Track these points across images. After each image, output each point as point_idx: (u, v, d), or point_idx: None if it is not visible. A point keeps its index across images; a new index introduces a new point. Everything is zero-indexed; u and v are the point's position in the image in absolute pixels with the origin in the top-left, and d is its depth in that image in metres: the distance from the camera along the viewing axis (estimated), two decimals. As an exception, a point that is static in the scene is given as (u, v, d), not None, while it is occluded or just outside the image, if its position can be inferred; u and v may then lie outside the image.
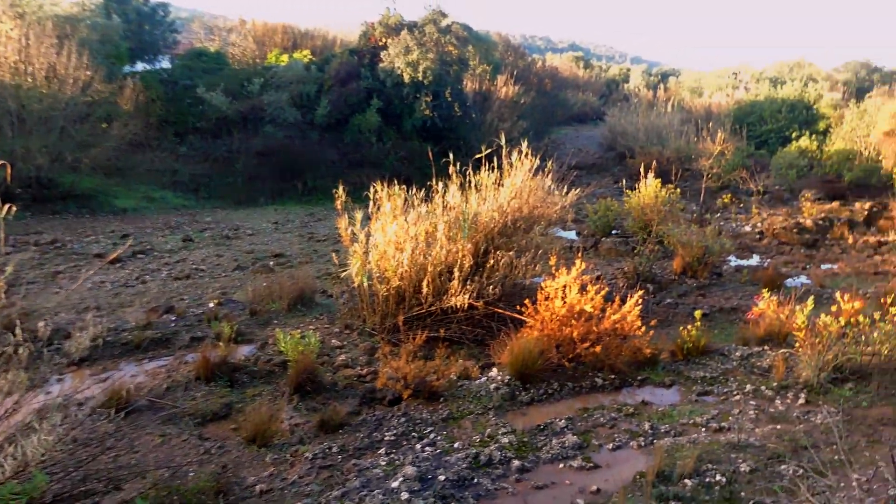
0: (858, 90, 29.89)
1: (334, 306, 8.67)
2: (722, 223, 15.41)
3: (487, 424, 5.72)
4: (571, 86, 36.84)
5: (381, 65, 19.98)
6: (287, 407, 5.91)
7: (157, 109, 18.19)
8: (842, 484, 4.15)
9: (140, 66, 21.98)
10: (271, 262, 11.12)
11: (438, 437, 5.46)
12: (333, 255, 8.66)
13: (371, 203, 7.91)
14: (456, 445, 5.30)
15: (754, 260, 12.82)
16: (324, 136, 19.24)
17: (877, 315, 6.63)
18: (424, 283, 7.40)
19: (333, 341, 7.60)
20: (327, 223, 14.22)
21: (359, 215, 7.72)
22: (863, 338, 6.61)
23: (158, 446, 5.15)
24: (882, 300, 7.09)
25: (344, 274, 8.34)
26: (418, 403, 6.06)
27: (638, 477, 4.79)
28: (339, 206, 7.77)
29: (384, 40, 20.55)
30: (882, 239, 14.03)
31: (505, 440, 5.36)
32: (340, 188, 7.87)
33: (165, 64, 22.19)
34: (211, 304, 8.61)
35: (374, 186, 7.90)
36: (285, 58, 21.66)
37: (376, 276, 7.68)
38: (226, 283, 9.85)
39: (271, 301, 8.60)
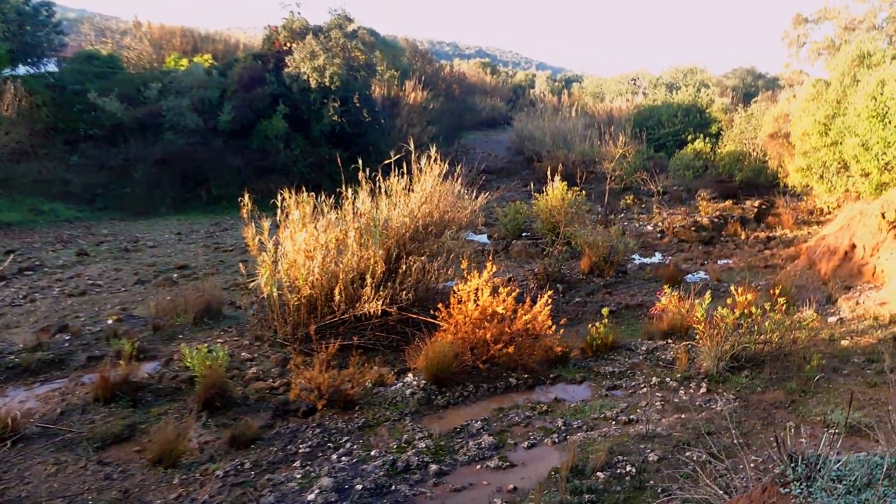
0: (745, 95, 31.93)
1: (243, 318, 8.40)
2: (625, 223, 16.06)
3: (404, 430, 5.69)
4: (479, 91, 37.37)
5: (286, 70, 19.57)
6: (195, 424, 5.66)
7: (44, 116, 17.07)
8: (740, 466, 4.40)
9: (22, 70, 20.53)
10: (175, 275, 10.65)
11: (355, 446, 5.38)
12: (241, 265, 8.39)
13: (279, 211, 7.73)
14: (373, 453, 5.24)
15: (656, 258, 13.43)
16: (228, 142, 18.62)
17: (767, 306, 7.09)
18: (336, 291, 7.29)
19: (243, 354, 7.36)
20: (234, 233, 13.78)
21: (266, 224, 7.53)
22: (756, 328, 7.05)
23: (52, 475, 4.82)
24: (771, 291, 7.59)
25: (252, 284, 8.10)
26: (333, 413, 5.96)
27: (553, 473, 4.89)
28: (245, 215, 7.54)
29: (289, 45, 20.15)
30: (770, 234, 15.05)
31: (422, 445, 5.35)
32: (246, 196, 7.63)
33: (52, 67, 20.80)
34: (110, 321, 8.14)
35: (281, 194, 7.72)
36: (185, 62, 20.83)
37: (286, 286, 7.50)
38: (126, 299, 9.34)
39: (176, 315, 8.23)
